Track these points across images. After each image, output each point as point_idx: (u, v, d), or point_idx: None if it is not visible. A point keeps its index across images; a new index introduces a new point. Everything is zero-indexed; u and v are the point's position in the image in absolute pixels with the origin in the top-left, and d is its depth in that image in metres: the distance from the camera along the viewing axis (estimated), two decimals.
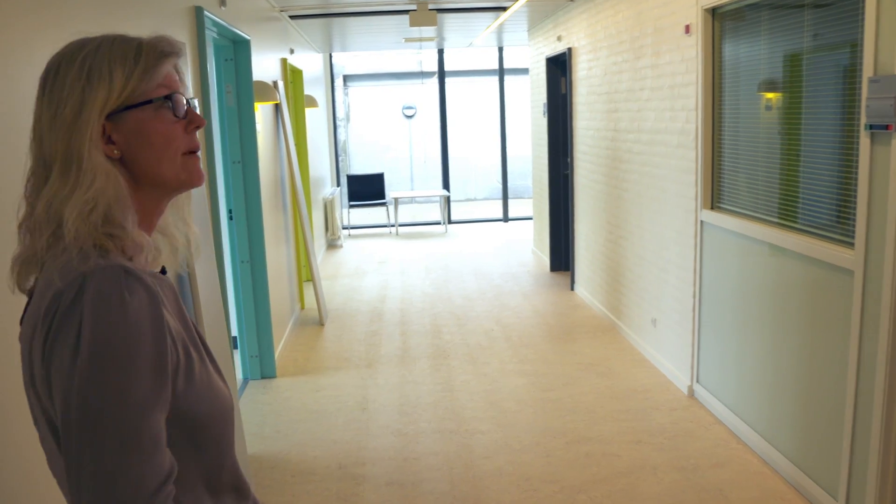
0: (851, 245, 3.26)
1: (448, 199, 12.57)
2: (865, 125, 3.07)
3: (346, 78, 16.40)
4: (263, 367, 5.46)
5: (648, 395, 4.99)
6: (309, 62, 9.77)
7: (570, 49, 7.46)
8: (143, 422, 1.08)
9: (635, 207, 5.84)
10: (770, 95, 4.03)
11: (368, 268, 9.34)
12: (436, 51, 12.68)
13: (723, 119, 4.50)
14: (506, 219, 12.95)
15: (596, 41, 6.64)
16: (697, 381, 4.90)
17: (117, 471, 1.05)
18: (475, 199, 17.06)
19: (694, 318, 4.88)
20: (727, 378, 4.48)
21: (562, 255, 8.74)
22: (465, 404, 4.91)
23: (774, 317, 3.90)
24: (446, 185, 12.84)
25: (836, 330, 3.37)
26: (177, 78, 1.25)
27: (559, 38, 7.89)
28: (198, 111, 1.26)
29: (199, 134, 1.50)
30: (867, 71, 3.05)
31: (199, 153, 1.26)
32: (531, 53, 9.40)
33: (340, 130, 16.31)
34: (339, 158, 15.28)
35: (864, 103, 3.08)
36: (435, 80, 12.84)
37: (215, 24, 4.41)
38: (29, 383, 1.18)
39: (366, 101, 16.72)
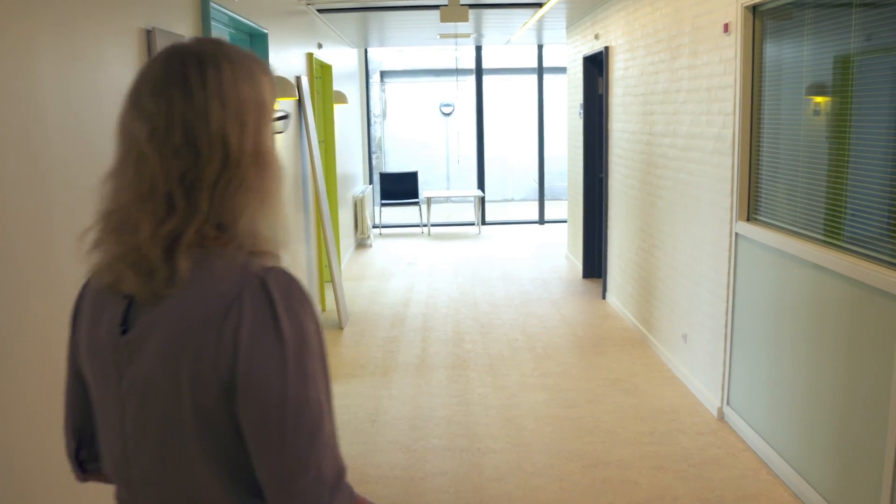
0: None
1: (482, 200, 12.31)
2: None
3: (382, 74, 16.21)
4: None
5: (675, 416, 4.70)
6: (341, 57, 9.59)
7: (606, 48, 7.17)
8: (331, 413, 1.20)
9: (668, 216, 5.55)
10: (815, 100, 3.73)
11: (396, 269, 9.13)
12: (473, 48, 12.42)
13: (762, 124, 4.19)
14: (541, 221, 12.67)
15: (633, 40, 6.35)
16: (728, 404, 4.60)
17: (322, 461, 1.15)
18: (512, 200, 16.78)
19: (726, 337, 4.59)
20: (758, 402, 4.18)
21: (595, 262, 8.45)
22: (480, 420, 4.66)
23: (811, 340, 3.60)
24: (481, 186, 12.59)
25: (877, 359, 3.07)
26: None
27: (596, 37, 7.60)
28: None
29: None
30: None
31: None
32: (569, 52, 9.11)
33: (376, 127, 16.14)
34: (374, 155, 15.13)
35: None
36: (472, 78, 12.58)
37: (228, 17, 4.22)
38: (172, 374, 1.14)
39: (403, 98, 16.52)
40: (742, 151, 4.32)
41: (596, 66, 8.05)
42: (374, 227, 12.14)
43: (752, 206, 4.35)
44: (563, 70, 10.10)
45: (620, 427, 4.54)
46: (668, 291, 5.62)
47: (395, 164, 16.29)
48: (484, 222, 12.51)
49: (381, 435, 4.47)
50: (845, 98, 3.42)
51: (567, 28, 9.20)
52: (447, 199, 13.13)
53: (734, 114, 4.36)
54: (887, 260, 3.07)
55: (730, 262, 4.50)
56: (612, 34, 7.01)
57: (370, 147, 12.85)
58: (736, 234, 4.42)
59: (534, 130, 12.90)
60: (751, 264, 4.27)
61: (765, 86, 4.16)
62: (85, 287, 1.28)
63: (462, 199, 12.80)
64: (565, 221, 12.56)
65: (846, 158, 3.43)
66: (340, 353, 5.94)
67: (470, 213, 13.33)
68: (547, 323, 6.72)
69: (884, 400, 3.02)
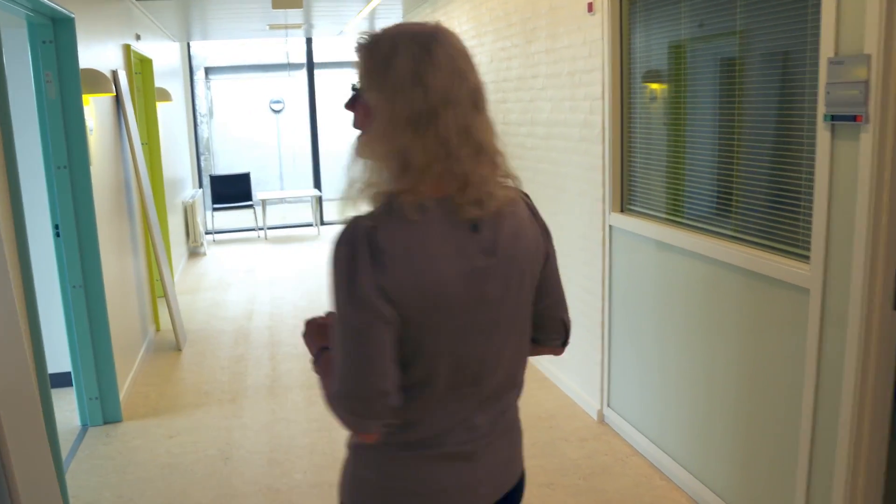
0: (805, 258, 2.74)
1: (320, 200, 11.77)
2: (825, 115, 2.54)
3: (207, 70, 15.32)
4: (106, 411, 4.59)
5: (554, 422, 4.41)
6: (162, 51, 8.80)
7: None
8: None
9: None
10: (688, 83, 3.49)
11: (234, 278, 8.46)
12: (304, 40, 11.83)
13: (633, 110, 3.95)
14: None
15: (480, 25, 6.03)
16: (608, 405, 4.36)
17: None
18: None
19: (603, 334, 4.33)
20: (643, 402, 3.94)
21: None
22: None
23: (700, 334, 3.37)
24: (318, 184, 12.03)
25: (785, 356, 2.84)
26: None
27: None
28: None
29: None
30: (826, 51, 2.52)
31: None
32: None
33: (203, 127, 15.24)
34: (202, 157, 14.26)
35: (822, 90, 2.55)
36: (304, 72, 11.99)
37: None
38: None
39: (230, 95, 15.65)
40: (613, 139, 4.06)
41: None
42: (207, 233, 11.36)
43: (625, 196, 4.11)
44: None
45: None
46: None
47: (225, 165, 15.43)
48: (323, 223, 11.97)
49: (236, 475, 3.92)
50: (729, 79, 3.20)
51: (405, 16, 8.80)
52: (282, 201, 12.46)
53: (603, 99, 4.09)
54: (788, 250, 2.85)
55: (604, 255, 4.25)
56: (456, 20, 6.67)
57: (198, 148, 12.03)
58: (610, 226, 4.17)
59: None
60: (627, 257, 4.03)
61: (635, 67, 3.91)
62: (374, 234, 1.36)
63: (298, 200, 12.17)
64: None
65: (733, 143, 3.21)
66: (181, 380, 5.30)
67: (308, 214, 12.74)
68: None
69: (794, 400, 2.80)
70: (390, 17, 9.08)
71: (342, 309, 1.34)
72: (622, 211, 4.12)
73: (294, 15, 8.66)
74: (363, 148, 1.46)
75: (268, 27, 9.54)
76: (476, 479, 1.53)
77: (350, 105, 1.49)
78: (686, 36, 3.45)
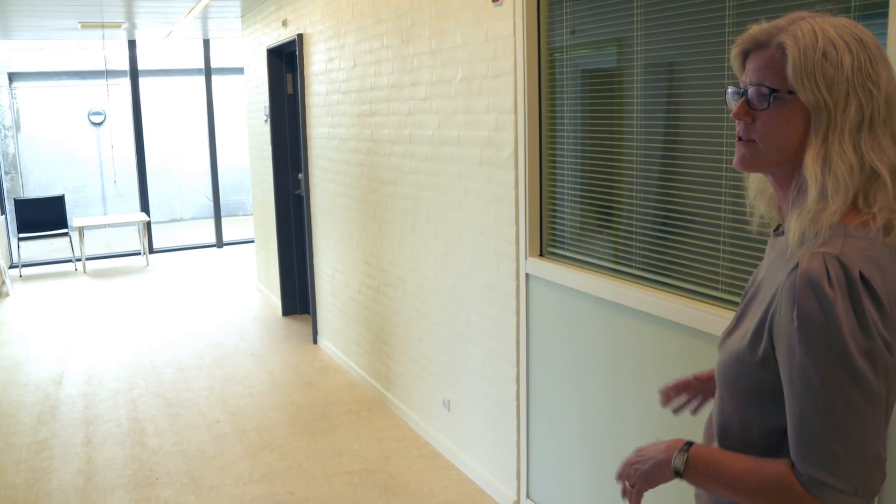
0: None
1: (148, 225, 10.37)
2: None
3: (11, 76, 13.48)
4: None
5: None
6: None
7: (300, 36, 5.78)
8: None
9: (409, 246, 4.31)
10: (628, 92, 2.64)
11: (42, 327, 7.02)
12: (126, 43, 10.40)
13: (561, 124, 3.06)
14: (220, 244, 10.98)
15: (339, 24, 5.02)
16: (528, 496, 3.45)
17: None
18: (181, 220, 14.79)
19: (519, 407, 3.43)
20: (578, 491, 3.06)
21: (297, 296, 7.04)
22: None
23: (659, 416, 2.51)
24: (145, 207, 10.62)
25: None
26: (742, 70, 1.29)
27: (284, 24, 6.18)
28: (734, 102, 1.28)
29: None
30: None
31: (742, 141, 1.27)
32: (248, 45, 7.57)
33: (8, 142, 13.44)
34: (7, 177, 12.51)
35: None
36: (127, 80, 10.56)
37: None
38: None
39: (41, 106, 13.84)
40: (531, 163, 3.16)
41: (284, 61, 6.64)
42: (12, 267, 9.75)
43: (545, 237, 3.22)
44: (238, 70, 8.60)
45: None
46: (413, 343, 4.38)
47: (36, 186, 13.63)
48: (152, 251, 10.58)
49: None
50: (670, 88, 2.36)
51: (243, 16, 7.65)
52: (104, 227, 10.94)
53: (515, 112, 3.19)
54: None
55: (518, 311, 3.34)
56: (308, 19, 5.64)
57: (1, 167, 10.37)
58: (527, 274, 3.27)
59: (203, 140, 11.18)
60: (550, 314, 3.14)
61: (561, 73, 3.03)
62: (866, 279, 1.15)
63: (123, 225, 10.69)
64: (249, 242, 11.03)
65: (676, 172, 2.37)
66: None
67: (134, 241, 11.27)
68: (253, 388, 5.21)
69: None
70: (226, 17, 7.91)
71: (861, 375, 1.13)
72: (542, 255, 3.23)
73: (111, 12, 7.35)
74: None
75: (79, 25, 8.14)
76: None
77: None
78: (624, 34, 2.60)
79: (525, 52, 3.08)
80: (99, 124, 14.25)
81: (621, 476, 1.39)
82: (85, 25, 8.12)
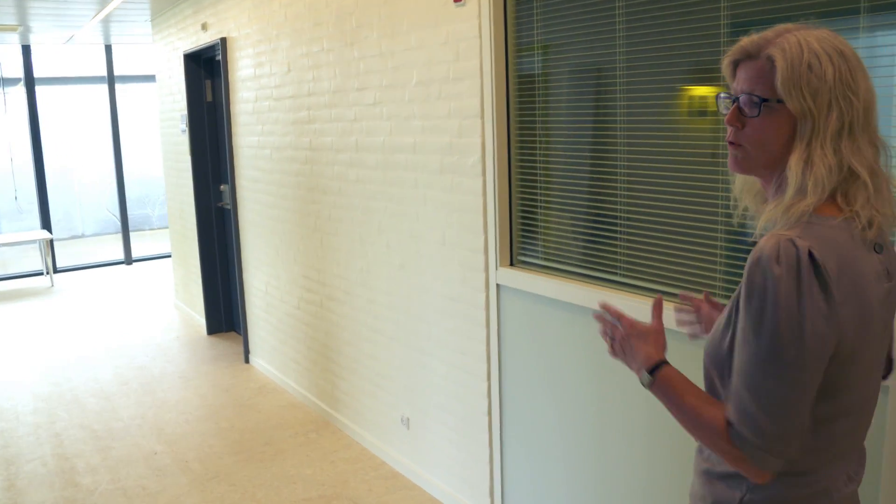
0: None
1: (51, 243, 9.83)
2: None
3: None
4: None
5: None
6: None
7: (223, 40, 5.51)
8: None
9: (358, 259, 4.12)
10: (604, 92, 2.54)
11: None
12: (20, 48, 9.82)
13: (533, 127, 2.94)
14: (129, 261, 10.51)
15: (270, 26, 4.79)
16: None
17: None
18: (83, 236, 14.09)
19: (491, 425, 3.29)
20: None
21: (222, 313, 6.74)
22: None
23: (636, 418, 2.41)
24: (46, 224, 10.06)
25: None
26: (733, 77, 1.38)
27: (204, 27, 5.89)
28: (726, 108, 1.38)
29: None
30: None
31: (733, 145, 1.37)
32: (160, 50, 7.21)
33: None
34: None
35: None
36: (22, 89, 9.98)
37: None
38: None
39: None
40: (499, 169, 3.03)
41: (203, 67, 6.34)
42: None
43: (516, 246, 3.09)
44: (144, 78, 8.21)
45: None
46: (364, 359, 4.19)
47: None
48: (56, 270, 10.03)
49: None
50: (650, 88, 2.27)
51: (153, 20, 7.29)
52: (2, 246, 10.31)
53: (482, 117, 3.05)
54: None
55: (488, 323, 3.20)
56: (232, 22, 5.37)
57: None
58: (497, 285, 3.13)
59: (105, 151, 10.68)
60: (524, 325, 3.01)
61: (531, 75, 2.90)
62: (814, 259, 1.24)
63: (23, 243, 10.09)
64: (161, 257, 10.58)
65: (664, 166, 2.29)
66: None
67: (34, 260, 10.67)
68: (188, 414, 4.92)
69: None
70: (134, 20, 7.53)
71: (788, 349, 1.23)
72: (513, 265, 3.10)
73: (2, 13, 6.89)
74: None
75: None
76: None
77: None
78: (600, 29, 2.49)
79: (493, 55, 2.95)
80: None
81: (606, 334, 1.56)
82: None
